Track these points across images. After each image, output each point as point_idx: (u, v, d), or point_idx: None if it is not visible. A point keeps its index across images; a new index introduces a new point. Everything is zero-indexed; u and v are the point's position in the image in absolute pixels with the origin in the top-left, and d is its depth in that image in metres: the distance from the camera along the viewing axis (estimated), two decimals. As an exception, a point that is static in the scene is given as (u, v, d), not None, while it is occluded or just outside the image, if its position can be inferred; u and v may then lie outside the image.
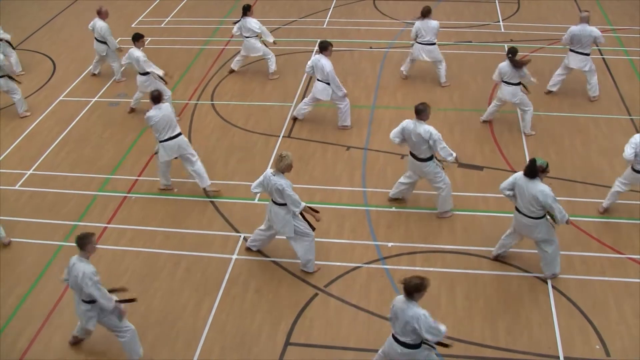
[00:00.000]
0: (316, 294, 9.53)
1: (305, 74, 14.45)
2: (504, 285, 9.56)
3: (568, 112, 13.47)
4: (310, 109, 13.38)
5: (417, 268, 9.84)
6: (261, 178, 9.44)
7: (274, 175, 9.18)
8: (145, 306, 9.30)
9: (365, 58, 15.92)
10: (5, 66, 13.70)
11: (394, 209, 11.00)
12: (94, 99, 14.74)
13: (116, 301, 8.08)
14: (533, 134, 12.75)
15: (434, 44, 14.07)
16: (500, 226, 10.49)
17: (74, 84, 15.32)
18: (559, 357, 8.45)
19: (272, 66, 15.04)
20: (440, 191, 10.60)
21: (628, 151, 10.12)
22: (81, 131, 13.60)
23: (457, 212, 10.84)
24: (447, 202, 10.73)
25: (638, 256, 9.94)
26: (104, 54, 15.13)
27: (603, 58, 15.15)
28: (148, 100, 11.16)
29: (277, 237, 10.01)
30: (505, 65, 12.22)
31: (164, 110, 10.83)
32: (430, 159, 10.35)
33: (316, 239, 10.00)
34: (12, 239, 10.63)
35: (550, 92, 13.90)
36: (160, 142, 10.95)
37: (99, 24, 14.85)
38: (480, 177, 11.69)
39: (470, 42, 16.31)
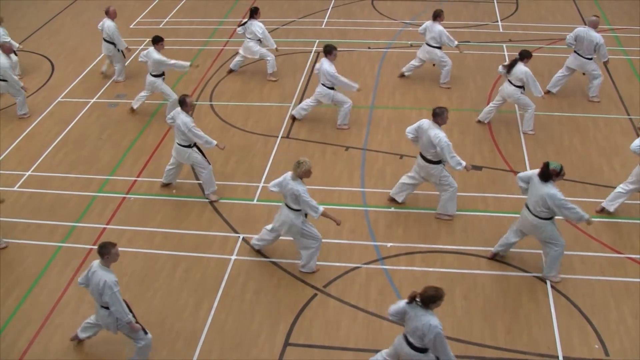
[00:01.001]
0: (315, 295, 9.53)
1: (304, 75, 14.43)
2: (503, 285, 9.56)
3: (567, 112, 13.48)
4: (309, 111, 13.38)
5: (416, 268, 9.85)
6: (281, 179, 9.43)
7: (292, 180, 9.19)
8: (144, 307, 9.29)
9: (363, 58, 15.92)
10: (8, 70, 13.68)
11: (392, 209, 11.00)
12: (93, 100, 14.73)
13: (132, 316, 8.11)
14: (533, 133, 12.76)
15: (434, 46, 14.10)
16: (499, 226, 10.50)
17: (73, 84, 15.31)
18: (558, 357, 8.45)
19: (270, 69, 15.03)
20: (444, 194, 10.59)
21: (636, 142, 10.13)
22: (80, 132, 13.59)
23: (456, 212, 10.83)
24: (449, 205, 10.68)
25: (637, 256, 9.95)
26: (110, 54, 15.13)
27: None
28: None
29: (284, 237, 9.99)
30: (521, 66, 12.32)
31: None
32: (437, 162, 10.32)
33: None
34: (11, 240, 10.62)
35: (549, 92, 13.91)
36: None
37: (107, 23, 14.87)
38: (479, 177, 11.68)
39: (469, 42, 16.30)
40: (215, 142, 11.01)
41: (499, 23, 17.22)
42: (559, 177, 8.91)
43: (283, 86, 14.91)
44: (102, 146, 13.09)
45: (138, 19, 18.64)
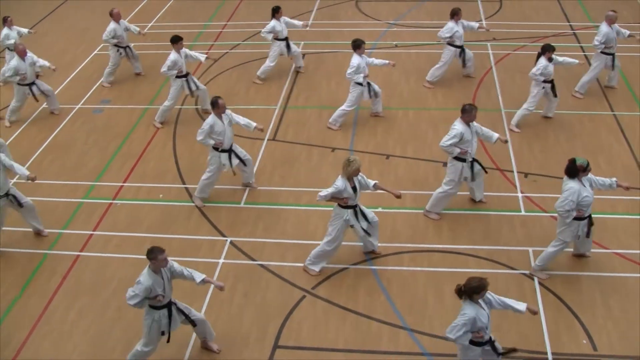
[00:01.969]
0: (304, 296, 9.53)
1: (289, 77, 14.42)
2: (491, 282, 9.48)
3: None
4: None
5: (405, 268, 9.87)
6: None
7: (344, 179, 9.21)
8: (133, 312, 9.24)
9: (348, 59, 15.87)
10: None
11: (380, 209, 11.01)
12: (78, 106, 14.67)
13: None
14: (518, 131, 12.83)
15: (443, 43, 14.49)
16: (487, 224, 10.54)
17: (58, 90, 15.18)
18: (546, 353, 8.50)
19: (261, 70, 15.06)
20: (440, 191, 10.63)
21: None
22: (65, 138, 13.53)
23: (443, 211, 10.86)
24: (439, 203, 10.73)
25: (623, 251, 10.02)
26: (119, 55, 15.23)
27: (585, 55, 15.23)
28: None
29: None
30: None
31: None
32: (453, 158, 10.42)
33: (302, 242, 10.08)
34: (-3, 249, 10.59)
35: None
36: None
37: (111, 26, 14.90)
38: (465, 176, 11.71)
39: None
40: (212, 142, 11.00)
41: (483, 22, 17.27)
42: (584, 173, 8.85)
43: (268, 88, 14.90)
44: (88, 152, 13.04)
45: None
